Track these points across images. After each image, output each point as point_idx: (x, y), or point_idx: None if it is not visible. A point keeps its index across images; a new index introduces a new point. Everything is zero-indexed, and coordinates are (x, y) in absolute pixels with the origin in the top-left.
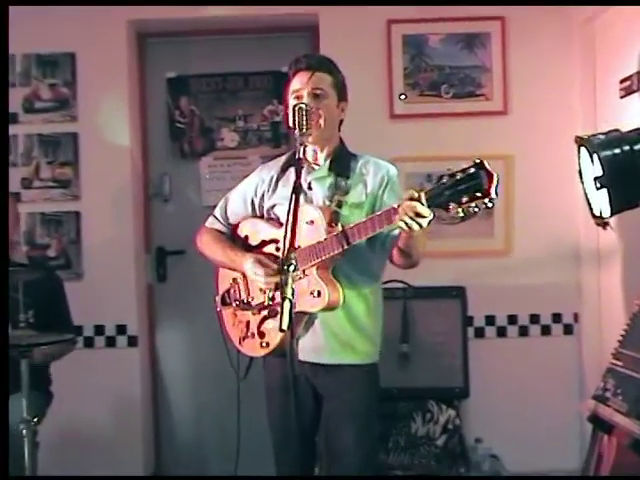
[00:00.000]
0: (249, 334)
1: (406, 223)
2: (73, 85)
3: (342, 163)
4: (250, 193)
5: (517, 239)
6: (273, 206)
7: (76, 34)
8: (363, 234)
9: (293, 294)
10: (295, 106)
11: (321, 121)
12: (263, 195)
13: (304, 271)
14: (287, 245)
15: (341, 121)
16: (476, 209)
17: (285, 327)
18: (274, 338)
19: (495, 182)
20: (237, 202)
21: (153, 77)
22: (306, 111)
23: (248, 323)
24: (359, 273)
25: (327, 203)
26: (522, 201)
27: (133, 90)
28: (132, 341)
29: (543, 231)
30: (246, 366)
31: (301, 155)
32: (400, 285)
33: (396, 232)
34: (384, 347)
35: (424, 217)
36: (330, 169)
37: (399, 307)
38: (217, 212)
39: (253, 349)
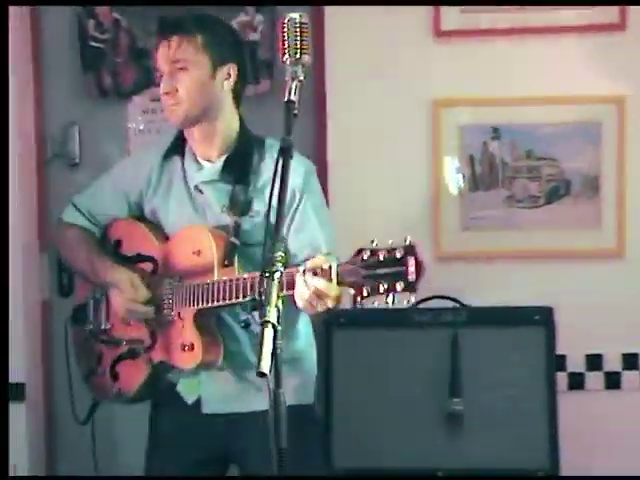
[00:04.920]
0: (99, 369)
1: (307, 302)
2: None
3: (242, 161)
4: (122, 188)
5: (636, 233)
6: (155, 210)
7: None
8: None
9: (279, 317)
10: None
11: (184, 102)
12: (141, 193)
13: (179, 314)
14: (274, 236)
15: (237, 93)
16: (390, 302)
17: (265, 369)
18: (130, 384)
19: (421, 276)
20: (108, 198)
21: None
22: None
23: (101, 356)
24: None
25: (226, 218)
26: None
27: None
28: (16, 392)
29: None
30: (89, 407)
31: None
32: (449, 304)
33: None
34: (422, 404)
35: (331, 299)
36: (225, 170)
37: (446, 339)
38: (80, 203)
39: (102, 391)
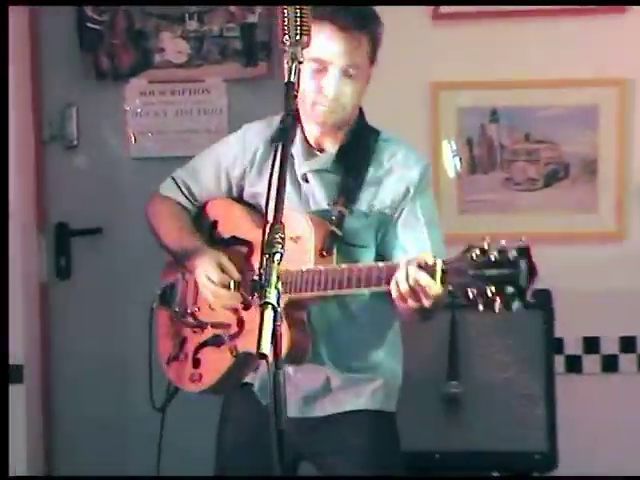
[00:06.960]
0: (181, 355)
1: (402, 295)
2: None
3: (355, 152)
4: (225, 166)
5: (635, 216)
6: (256, 194)
7: None
8: (352, 285)
9: (279, 299)
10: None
11: (341, 110)
12: (244, 174)
13: None
14: (271, 219)
15: None
16: (498, 307)
17: (265, 350)
18: (212, 373)
19: (535, 281)
20: (209, 175)
21: None
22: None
23: (184, 340)
24: None
25: (328, 209)
26: None
27: None
28: (15, 374)
29: None
30: (168, 393)
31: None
32: None
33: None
34: (419, 387)
35: (430, 298)
36: (337, 160)
37: (444, 322)
38: (180, 177)
39: (180, 377)
